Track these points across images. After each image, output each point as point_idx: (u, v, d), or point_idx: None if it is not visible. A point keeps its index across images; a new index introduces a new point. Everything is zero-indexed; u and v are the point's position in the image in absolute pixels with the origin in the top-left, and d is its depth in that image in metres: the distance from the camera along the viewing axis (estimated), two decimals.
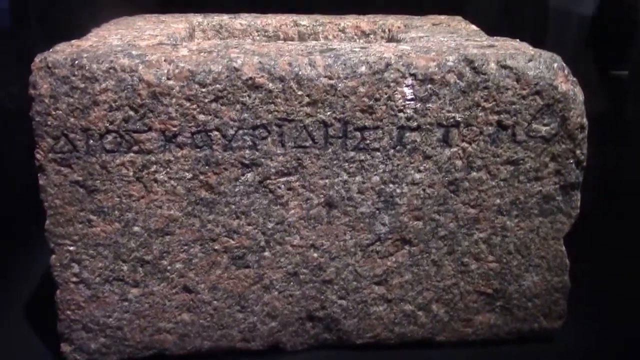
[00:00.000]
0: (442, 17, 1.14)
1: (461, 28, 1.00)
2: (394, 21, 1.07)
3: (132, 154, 0.74)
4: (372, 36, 1.09)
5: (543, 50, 0.79)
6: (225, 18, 1.09)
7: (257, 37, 1.09)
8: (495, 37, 0.89)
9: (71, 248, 0.77)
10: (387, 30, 1.07)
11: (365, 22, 1.09)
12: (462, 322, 0.83)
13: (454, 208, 0.78)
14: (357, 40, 1.09)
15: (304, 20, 1.09)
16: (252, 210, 0.77)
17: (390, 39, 1.04)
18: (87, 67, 0.72)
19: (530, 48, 0.80)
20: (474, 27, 1.03)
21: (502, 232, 0.80)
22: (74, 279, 0.78)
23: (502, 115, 0.75)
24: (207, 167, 0.75)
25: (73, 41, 0.82)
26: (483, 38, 0.89)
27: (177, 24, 1.01)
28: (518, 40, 0.88)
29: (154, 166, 0.75)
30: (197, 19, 1.08)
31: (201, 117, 0.73)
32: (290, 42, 0.81)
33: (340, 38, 1.09)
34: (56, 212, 0.75)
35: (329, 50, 0.76)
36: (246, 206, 0.77)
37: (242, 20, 1.08)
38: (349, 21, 1.09)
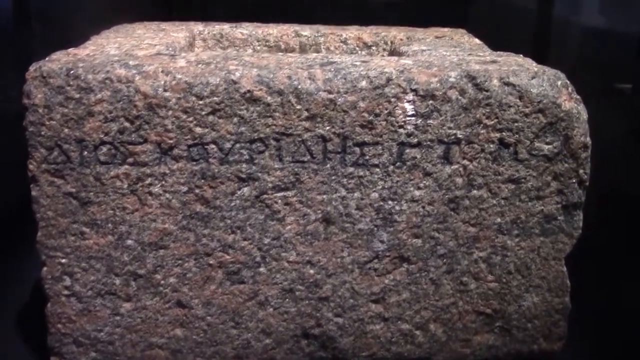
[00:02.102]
0: (446, 29, 1.12)
1: (464, 42, 0.99)
2: (396, 33, 1.06)
3: (126, 166, 0.73)
4: (374, 48, 1.08)
5: (547, 67, 0.78)
6: (226, 27, 1.08)
7: (258, 47, 1.08)
8: (498, 52, 0.88)
9: (63, 260, 0.75)
10: (389, 42, 1.06)
11: (367, 33, 1.08)
12: (460, 342, 0.81)
13: (453, 226, 0.77)
14: (359, 52, 1.08)
15: (306, 30, 1.08)
16: (248, 225, 0.76)
17: (392, 51, 1.03)
18: (82, 77, 0.71)
19: (534, 64, 0.79)
20: (477, 40, 1.01)
21: (502, 252, 0.78)
22: (66, 292, 0.76)
23: (504, 133, 0.74)
24: (203, 181, 0.74)
25: (70, 49, 0.81)
26: (486, 53, 0.88)
27: (177, 32, 0.99)
28: (521, 55, 0.86)
29: (149, 179, 0.73)
30: (197, 27, 1.06)
31: (198, 129, 0.72)
32: (290, 54, 0.80)
33: (342, 49, 1.08)
34: (48, 223, 0.74)
35: (329, 64, 0.75)
36: (242, 221, 0.75)
37: (244, 30, 1.07)
38: (351, 32, 1.08)
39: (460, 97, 0.73)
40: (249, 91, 0.71)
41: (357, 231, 0.77)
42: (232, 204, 0.75)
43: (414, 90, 0.72)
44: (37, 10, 1.50)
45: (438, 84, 0.73)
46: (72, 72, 0.71)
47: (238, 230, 0.76)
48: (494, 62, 0.79)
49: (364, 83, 0.72)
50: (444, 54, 0.86)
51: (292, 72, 0.72)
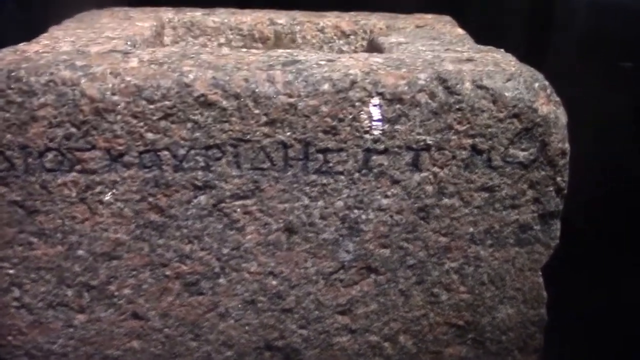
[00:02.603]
0: (429, 16, 1.07)
1: (445, 32, 0.94)
2: (376, 21, 1.01)
3: (74, 174, 0.69)
4: (352, 37, 1.03)
5: (526, 66, 0.73)
6: (198, 14, 1.03)
7: (231, 36, 1.03)
8: (478, 47, 0.83)
9: (10, 271, 0.72)
10: (368, 31, 1.01)
11: (346, 21, 1.02)
12: (431, 354, 0.78)
13: (423, 236, 0.73)
14: (337, 42, 1.03)
15: (281, 18, 1.03)
16: (205, 234, 0.72)
17: (371, 42, 0.97)
18: (24, 80, 0.66)
19: (513, 63, 0.74)
20: (459, 30, 0.96)
21: (475, 262, 0.74)
22: (15, 304, 0.73)
23: (476, 139, 0.69)
24: (156, 189, 0.70)
25: (20, 45, 0.76)
26: (465, 47, 0.83)
27: (143, 21, 0.94)
28: (503, 50, 0.81)
29: (99, 187, 0.69)
30: (167, 14, 1.01)
31: (149, 135, 0.68)
32: (254, 52, 0.75)
33: (319, 39, 1.03)
34: None
35: (291, 63, 0.70)
36: (199, 230, 0.71)
37: (216, 18, 1.02)
38: (329, 20, 1.03)
39: (430, 101, 0.68)
40: (203, 95, 0.67)
41: (321, 241, 0.73)
42: (188, 212, 0.71)
43: (380, 94, 0.68)
44: None
45: (406, 87, 0.68)
46: (13, 74, 0.66)
47: (195, 240, 0.72)
48: (469, 60, 0.74)
49: (326, 86, 0.67)
50: (419, 49, 0.81)
51: (249, 74, 0.67)
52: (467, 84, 0.68)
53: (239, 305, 0.75)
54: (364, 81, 0.68)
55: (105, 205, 0.70)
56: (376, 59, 0.74)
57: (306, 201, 0.71)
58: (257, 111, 0.67)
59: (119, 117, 0.67)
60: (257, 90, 0.67)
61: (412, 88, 0.68)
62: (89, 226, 0.71)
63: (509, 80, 0.69)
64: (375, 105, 0.68)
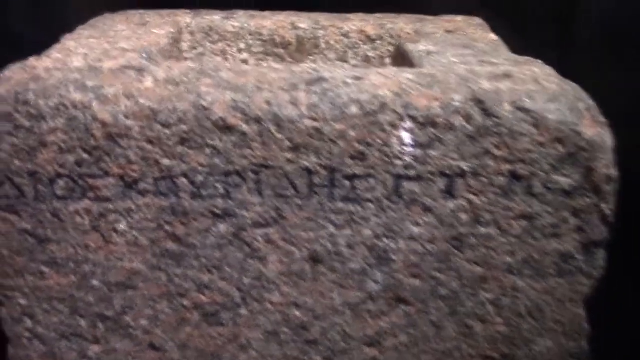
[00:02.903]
0: (459, 19, 1.01)
1: (477, 38, 0.88)
2: (403, 25, 0.96)
3: (87, 201, 0.65)
4: (378, 42, 0.97)
5: (568, 83, 0.68)
6: (216, 19, 0.98)
7: (251, 42, 0.98)
8: (514, 58, 0.77)
9: (22, 302, 0.68)
10: (395, 36, 0.96)
11: (371, 25, 0.97)
12: None
13: (457, 266, 0.68)
14: (362, 47, 0.98)
15: (303, 22, 0.98)
16: (225, 264, 0.68)
17: (398, 48, 0.92)
18: (32, 103, 0.62)
19: (554, 79, 0.68)
20: (492, 35, 0.91)
21: (512, 293, 0.69)
22: (27, 334, 0.70)
23: (516, 165, 0.64)
24: (173, 217, 0.66)
25: (30, 60, 0.72)
26: (501, 58, 0.77)
27: (160, 27, 0.90)
28: (540, 62, 0.76)
29: (113, 215, 0.65)
30: (185, 19, 0.97)
31: (165, 161, 0.64)
32: (276, 67, 0.70)
33: (343, 44, 0.98)
34: (4, 262, 0.67)
35: (316, 82, 0.65)
36: (219, 260, 0.67)
37: (235, 22, 0.97)
38: (354, 24, 0.97)
39: (465, 125, 0.63)
40: (222, 119, 0.62)
41: (348, 271, 0.68)
42: (207, 241, 0.67)
43: (412, 117, 0.63)
44: None
45: (440, 110, 0.63)
46: (21, 97, 0.62)
47: (215, 269, 0.68)
48: (507, 76, 0.69)
49: (354, 109, 0.62)
50: (451, 61, 0.75)
51: (272, 95, 0.63)
52: (506, 106, 0.63)
53: (261, 337, 0.71)
54: (395, 103, 0.63)
55: (120, 233, 0.66)
56: (406, 74, 0.69)
57: (332, 229, 0.67)
58: (280, 136, 0.63)
59: (133, 142, 0.63)
60: (280, 113, 0.62)
61: (446, 110, 0.63)
62: (103, 255, 0.67)
63: (551, 101, 0.64)
64: (406, 130, 0.63)
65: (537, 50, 0.80)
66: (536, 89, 0.65)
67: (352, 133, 0.63)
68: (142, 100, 0.62)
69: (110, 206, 0.65)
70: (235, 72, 0.68)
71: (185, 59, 0.97)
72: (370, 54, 0.98)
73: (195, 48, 0.97)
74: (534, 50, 0.80)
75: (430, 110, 0.63)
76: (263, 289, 0.69)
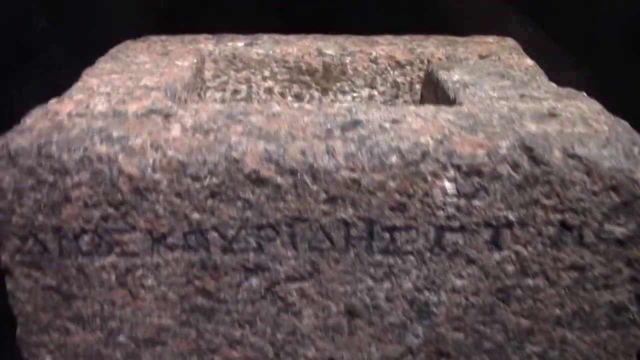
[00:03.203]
0: (491, 40, 0.97)
1: (513, 64, 0.84)
2: (434, 49, 0.92)
3: (113, 257, 0.62)
4: (407, 67, 0.93)
5: (619, 123, 0.64)
6: (240, 45, 0.95)
7: (276, 69, 0.95)
8: (556, 89, 0.73)
9: (47, 358, 0.65)
10: (425, 61, 0.92)
11: (400, 50, 0.93)
12: None
13: (502, 318, 0.64)
14: (390, 73, 0.94)
15: (330, 48, 0.95)
16: (257, 319, 0.64)
17: (429, 74, 0.88)
18: (56, 157, 0.59)
19: (603, 118, 0.64)
20: (528, 61, 0.87)
21: (560, 346, 0.66)
22: None
23: (566, 215, 0.60)
24: (203, 272, 0.62)
25: (51, 103, 0.69)
26: (541, 89, 0.73)
27: (182, 58, 0.87)
28: (584, 94, 0.72)
29: (140, 270, 0.62)
30: (208, 46, 0.93)
31: (195, 215, 0.60)
32: (307, 108, 0.67)
33: (372, 70, 0.94)
34: (28, 319, 0.64)
35: (352, 127, 0.62)
36: (251, 314, 0.64)
37: (259, 49, 0.94)
38: (382, 49, 0.94)
39: (513, 173, 0.59)
40: (254, 171, 0.59)
41: (386, 324, 0.65)
42: (239, 296, 0.64)
43: (456, 166, 0.59)
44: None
45: (486, 158, 0.59)
46: (44, 150, 0.59)
47: (246, 324, 0.65)
48: (552, 115, 0.65)
49: (394, 159, 0.59)
50: (491, 96, 0.71)
51: (306, 144, 0.59)
52: (556, 152, 0.59)
53: None
54: (437, 152, 0.59)
55: (148, 289, 0.63)
56: (446, 115, 0.65)
57: (370, 282, 0.63)
58: (315, 188, 0.59)
59: (161, 196, 0.59)
60: (315, 164, 0.59)
61: (492, 158, 0.59)
62: (130, 311, 0.64)
63: (604, 146, 0.60)
64: (449, 179, 0.59)
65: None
66: (586, 132, 0.61)
67: (392, 184, 0.59)
68: (170, 152, 0.59)
69: (138, 261, 0.62)
70: (265, 116, 0.65)
71: (208, 87, 0.94)
72: (400, 79, 0.94)
73: (218, 76, 0.94)
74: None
75: (475, 158, 0.59)
76: (297, 343, 0.65)
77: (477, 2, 1.21)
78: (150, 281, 0.63)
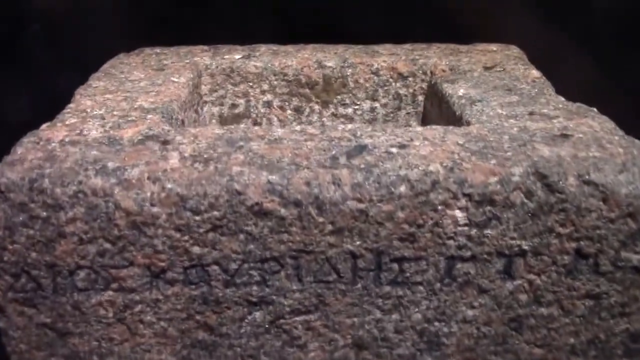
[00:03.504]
0: (494, 48, 0.95)
1: (519, 76, 0.82)
2: (437, 60, 0.89)
3: (110, 292, 0.59)
4: (410, 79, 0.91)
5: (635, 143, 0.61)
6: (237, 58, 0.92)
7: (275, 82, 0.92)
8: (566, 105, 0.71)
9: None
10: (428, 72, 0.89)
11: (402, 61, 0.91)
12: None
13: (515, 348, 0.62)
14: (392, 84, 0.91)
15: (330, 60, 0.92)
16: (262, 353, 0.62)
17: (432, 86, 0.86)
18: (49, 192, 0.56)
19: (617, 139, 0.62)
20: (534, 72, 0.84)
21: None
22: None
23: (582, 242, 0.58)
24: (205, 306, 0.60)
25: (43, 129, 0.67)
26: (550, 105, 0.71)
27: (179, 73, 0.84)
28: (595, 110, 0.70)
29: (139, 306, 0.60)
30: (204, 59, 0.91)
31: (195, 249, 0.58)
32: (310, 131, 0.64)
33: (373, 82, 0.91)
34: (22, 357, 0.61)
35: (358, 153, 0.59)
36: (254, 349, 0.62)
37: (257, 62, 0.91)
38: (384, 60, 0.91)
39: (526, 201, 0.57)
40: (257, 203, 0.56)
41: (395, 357, 0.63)
42: (242, 330, 0.61)
43: (468, 195, 0.57)
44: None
45: (498, 186, 0.57)
46: (36, 184, 0.56)
47: (250, 358, 0.62)
48: (564, 135, 0.63)
49: (403, 188, 0.56)
50: (499, 114, 0.69)
51: (311, 175, 0.57)
52: (572, 180, 0.57)
53: None
54: (448, 181, 0.57)
55: (147, 324, 0.60)
56: (454, 137, 0.63)
57: (378, 314, 0.61)
58: (321, 219, 0.57)
59: (159, 230, 0.57)
60: (321, 195, 0.56)
61: (505, 187, 0.57)
62: (129, 347, 0.61)
63: (621, 172, 0.57)
64: (460, 209, 0.57)
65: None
66: (601, 156, 0.59)
67: (401, 214, 0.57)
68: (169, 185, 0.56)
69: (136, 297, 0.59)
70: (267, 141, 0.62)
71: (205, 102, 0.91)
72: (402, 91, 0.92)
73: (216, 90, 0.91)
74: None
75: (487, 186, 0.57)
76: None
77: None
78: (149, 317, 0.60)
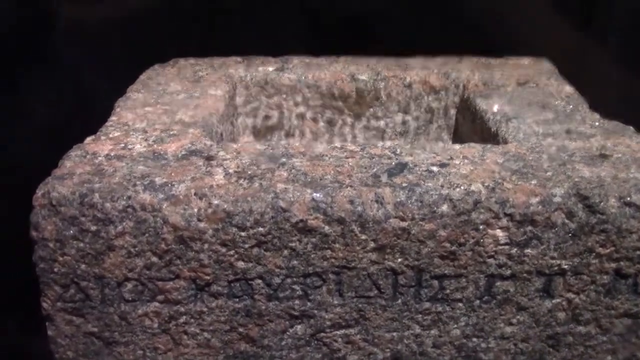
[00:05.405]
0: (526, 62, 0.96)
1: (553, 92, 0.82)
2: (469, 73, 0.90)
3: (156, 304, 0.61)
4: (442, 93, 0.92)
5: None
6: (271, 70, 0.93)
7: (308, 95, 0.93)
8: (602, 123, 0.72)
9: None
10: (460, 86, 0.90)
11: (434, 75, 0.92)
12: None
13: None
14: (424, 98, 0.92)
15: (363, 73, 0.93)
16: None
17: (466, 101, 0.87)
18: (99, 206, 0.58)
19: None
20: (567, 88, 0.85)
21: None
22: None
23: (622, 263, 0.59)
24: (247, 319, 0.61)
25: (87, 142, 0.68)
26: (586, 123, 0.71)
27: (215, 86, 0.85)
28: (632, 129, 0.70)
29: (184, 317, 0.61)
30: (239, 71, 0.92)
31: (240, 264, 0.59)
32: (351, 149, 0.65)
33: (406, 95, 0.92)
34: None
35: (399, 171, 0.60)
36: None
37: (291, 74, 0.92)
38: (416, 73, 0.92)
39: (567, 222, 0.58)
40: (301, 220, 0.57)
41: None
42: (283, 342, 0.62)
43: (509, 215, 0.57)
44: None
45: (539, 207, 0.57)
46: (86, 199, 0.58)
47: None
48: (604, 156, 0.63)
49: (445, 207, 0.57)
50: (535, 131, 0.70)
51: (354, 193, 0.58)
52: (613, 201, 0.58)
53: None
54: (489, 201, 0.58)
55: (191, 335, 0.62)
56: (494, 157, 0.64)
57: (417, 330, 0.62)
58: (363, 237, 0.58)
59: (206, 245, 0.58)
60: (364, 213, 0.57)
61: (546, 207, 0.57)
62: (173, 357, 0.63)
63: None
64: (502, 228, 0.58)
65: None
66: None
67: (443, 232, 0.58)
68: (215, 201, 0.58)
69: (181, 309, 0.61)
70: (309, 158, 0.64)
71: (240, 114, 0.93)
72: (434, 105, 0.93)
73: (250, 102, 0.93)
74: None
75: (529, 207, 0.58)
76: None
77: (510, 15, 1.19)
78: (193, 328, 0.62)
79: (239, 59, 0.98)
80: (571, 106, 0.78)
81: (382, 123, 0.94)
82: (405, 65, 0.94)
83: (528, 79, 0.88)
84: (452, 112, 0.93)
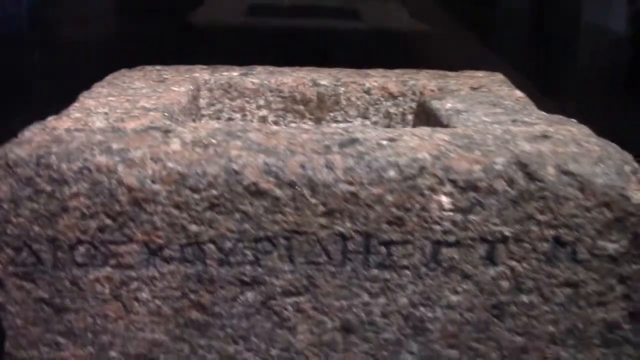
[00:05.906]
0: (481, 74, 1.00)
1: (504, 95, 0.86)
2: (426, 82, 0.94)
3: (108, 269, 0.62)
4: (400, 99, 0.95)
5: (610, 145, 0.65)
6: (235, 75, 0.96)
7: (270, 98, 0.96)
8: (546, 116, 0.75)
9: None
10: (418, 92, 0.94)
11: (393, 82, 0.95)
12: None
13: (497, 335, 0.65)
14: (383, 103, 0.95)
15: (324, 79, 0.96)
16: (252, 334, 0.64)
17: (422, 105, 0.90)
18: (55, 167, 0.59)
19: (594, 141, 0.66)
20: (518, 92, 0.89)
21: None
22: None
23: (560, 230, 0.61)
24: (199, 285, 0.62)
25: (49, 120, 0.70)
26: (532, 116, 0.75)
27: (179, 85, 0.88)
28: (574, 121, 0.74)
29: (135, 283, 0.62)
30: (203, 75, 0.95)
31: (193, 227, 0.60)
32: (305, 127, 0.68)
33: (365, 100, 0.96)
34: (18, 332, 0.63)
35: (350, 144, 0.63)
36: (245, 329, 0.64)
37: (254, 79, 0.95)
38: (376, 80, 0.96)
39: (508, 189, 0.60)
40: (254, 183, 0.59)
41: (381, 341, 0.65)
42: (234, 310, 0.63)
43: (453, 181, 0.60)
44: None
45: (482, 173, 0.60)
46: (42, 160, 0.59)
47: (241, 340, 0.64)
48: (545, 137, 0.67)
49: (392, 173, 0.60)
50: (484, 120, 0.73)
51: (306, 159, 0.60)
52: (551, 169, 0.61)
53: None
54: (434, 167, 0.60)
55: (142, 302, 0.62)
56: (441, 135, 0.67)
57: (366, 298, 0.63)
58: (314, 201, 0.60)
59: (159, 207, 0.60)
60: (314, 177, 0.59)
61: (488, 174, 0.60)
62: (123, 325, 0.63)
63: (597, 164, 0.61)
64: (446, 194, 0.60)
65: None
66: (579, 151, 0.63)
67: (390, 197, 0.60)
68: (170, 164, 0.59)
69: (133, 274, 0.62)
70: (264, 133, 0.66)
71: (203, 115, 0.95)
72: (392, 110, 0.96)
73: (213, 105, 0.95)
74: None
75: (471, 174, 0.60)
76: None
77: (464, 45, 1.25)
78: (144, 294, 0.62)
79: (204, 66, 1.01)
80: (520, 106, 0.81)
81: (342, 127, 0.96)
82: (365, 74, 0.98)
83: (481, 85, 0.92)
84: (410, 117, 0.96)
